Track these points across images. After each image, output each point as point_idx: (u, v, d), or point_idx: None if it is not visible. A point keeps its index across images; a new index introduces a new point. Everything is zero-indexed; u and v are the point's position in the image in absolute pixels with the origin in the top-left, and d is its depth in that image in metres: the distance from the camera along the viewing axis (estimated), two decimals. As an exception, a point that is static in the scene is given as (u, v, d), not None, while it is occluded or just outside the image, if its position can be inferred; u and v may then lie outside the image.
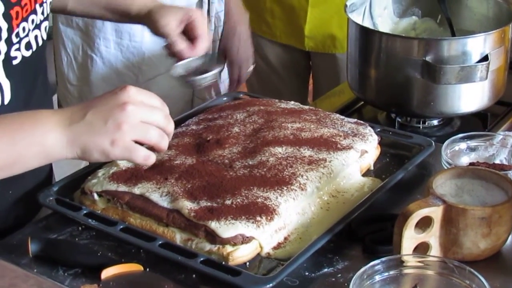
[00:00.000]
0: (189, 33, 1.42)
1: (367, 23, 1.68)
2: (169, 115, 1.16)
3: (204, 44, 1.42)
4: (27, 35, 1.23)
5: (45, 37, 1.30)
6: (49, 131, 1.09)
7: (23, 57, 1.22)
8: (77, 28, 1.93)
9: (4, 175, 1.12)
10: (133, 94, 1.11)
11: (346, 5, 1.61)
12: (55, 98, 2.18)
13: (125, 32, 1.92)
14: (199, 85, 1.40)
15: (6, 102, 1.21)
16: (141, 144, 1.12)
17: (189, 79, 1.39)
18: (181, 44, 1.41)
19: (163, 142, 1.14)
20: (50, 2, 1.30)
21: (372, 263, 1.03)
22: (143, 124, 1.11)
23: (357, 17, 1.63)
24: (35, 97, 1.30)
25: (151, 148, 1.13)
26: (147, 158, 1.13)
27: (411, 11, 1.74)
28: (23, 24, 1.21)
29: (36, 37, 1.26)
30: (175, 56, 1.43)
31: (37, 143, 1.09)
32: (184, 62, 1.41)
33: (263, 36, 2.32)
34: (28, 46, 1.24)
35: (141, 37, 1.92)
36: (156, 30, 1.43)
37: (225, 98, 1.59)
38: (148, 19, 1.44)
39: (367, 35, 1.56)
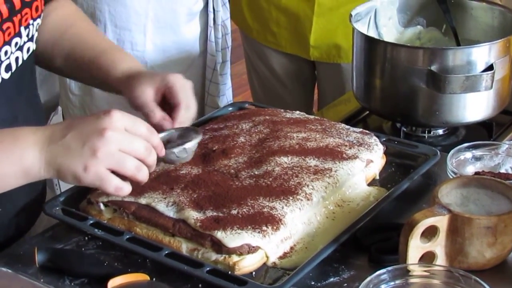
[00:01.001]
0: (169, 102, 1.30)
1: (372, 33, 1.68)
2: (157, 144, 1.13)
3: (185, 111, 1.28)
4: (8, 58, 1.20)
5: (25, 58, 1.26)
6: (28, 149, 1.07)
7: (2, 79, 1.20)
8: None
9: None
10: (116, 120, 1.07)
11: (351, 15, 1.61)
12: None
13: (127, 42, 1.92)
14: (181, 160, 1.23)
15: None
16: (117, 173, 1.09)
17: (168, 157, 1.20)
18: (157, 116, 1.28)
19: (140, 174, 1.10)
20: (38, 24, 1.28)
21: (378, 272, 1.04)
22: (121, 153, 1.08)
23: (362, 27, 1.63)
24: (21, 118, 1.26)
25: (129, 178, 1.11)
26: (119, 190, 1.10)
27: (416, 21, 1.75)
28: (5, 47, 1.19)
29: (17, 58, 1.23)
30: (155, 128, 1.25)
31: (15, 162, 1.07)
32: (163, 134, 1.22)
33: (268, 46, 2.32)
34: (7, 68, 1.21)
35: (143, 47, 1.93)
36: (133, 102, 1.30)
37: (230, 108, 1.59)
38: (125, 88, 1.32)
39: (372, 45, 1.57)
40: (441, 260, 1.12)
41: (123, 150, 1.07)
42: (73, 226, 1.23)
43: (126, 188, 1.10)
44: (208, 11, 2.01)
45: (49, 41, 1.40)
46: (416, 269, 1.06)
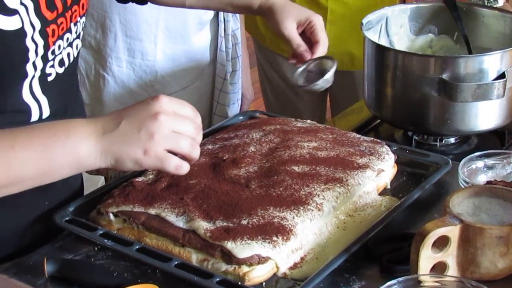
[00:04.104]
0: (308, 36, 1.46)
1: (384, 41, 1.68)
2: (200, 124, 1.18)
3: (324, 48, 1.46)
4: (60, 53, 1.25)
5: (75, 55, 1.31)
6: (82, 140, 1.10)
7: (57, 73, 1.24)
8: (89, 47, 1.94)
9: (36, 184, 1.12)
10: (165, 104, 1.12)
11: (362, 23, 1.62)
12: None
13: (138, 51, 1.93)
14: (322, 88, 1.46)
15: (44, 116, 1.23)
16: (174, 153, 1.12)
17: (312, 85, 1.44)
18: (301, 48, 1.46)
19: (195, 152, 1.15)
20: (83, 22, 1.32)
21: (389, 283, 1.03)
22: (175, 133, 1.12)
23: (374, 35, 1.64)
24: (69, 111, 1.31)
25: (183, 157, 1.14)
26: (179, 168, 1.14)
27: (428, 29, 1.75)
28: (59, 42, 1.23)
29: (68, 54, 1.28)
30: (296, 58, 1.48)
31: (69, 153, 1.10)
32: (304, 66, 1.46)
33: (281, 54, 2.33)
34: (61, 63, 1.25)
35: (153, 56, 1.94)
36: (277, 31, 1.46)
37: (241, 117, 1.60)
38: (270, 17, 1.47)
39: (383, 53, 1.57)
40: (452, 270, 1.12)
41: (176, 131, 1.12)
42: (83, 236, 1.23)
43: (185, 166, 1.15)
44: (219, 21, 2.02)
45: None
46: (428, 280, 1.06)
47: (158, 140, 1.11)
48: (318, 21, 1.45)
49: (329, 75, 1.41)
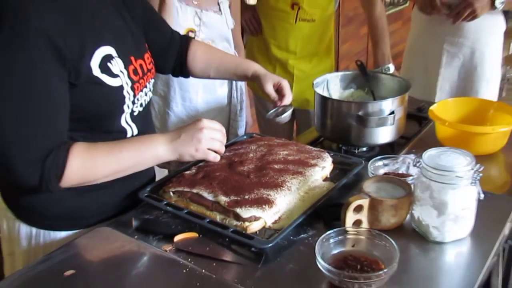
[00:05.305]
0: (279, 92, 1.43)
1: (325, 93, 1.68)
2: (225, 134, 1.24)
3: (288, 99, 1.41)
4: (141, 99, 1.24)
5: (148, 100, 1.30)
6: (160, 145, 1.16)
7: (139, 111, 1.24)
8: (160, 96, 1.93)
9: (132, 171, 1.16)
10: (206, 123, 1.19)
11: (313, 83, 1.62)
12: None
13: (187, 98, 1.92)
14: (284, 121, 1.41)
15: (134, 135, 1.24)
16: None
17: (278, 119, 1.40)
18: (276, 98, 1.42)
19: (222, 149, 1.25)
20: (152, 82, 1.32)
21: (329, 232, 1.04)
22: (212, 139, 1.20)
23: (320, 90, 1.63)
24: (147, 132, 1.30)
25: (216, 153, 1.24)
26: (215, 158, 1.25)
27: (350, 86, 1.74)
28: (140, 93, 1.23)
29: (145, 100, 1.27)
30: (273, 103, 1.44)
31: (153, 152, 1.15)
32: (275, 109, 1.42)
33: (267, 100, 2.32)
34: (141, 105, 1.25)
35: (196, 101, 1.93)
36: (262, 89, 1.42)
37: (245, 137, 1.58)
38: (257, 81, 1.44)
39: (325, 100, 1.56)
40: (365, 224, 1.12)
41: (212, 138, 1.20)
42: (154, 205, 1.23)
43: (218, 157, 1.26)
44: (232, 81, 2.02)
45: (204, 65, 1.49)
46: (351, 230, 1.06)
47: (203, 143, 1.18)
48: (285, 83, 1.42)
49: (288, 114, 1.39)
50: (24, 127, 1.01)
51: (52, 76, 1.02)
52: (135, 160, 1.14)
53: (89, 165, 1.08)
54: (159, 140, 1.16)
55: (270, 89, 1.41)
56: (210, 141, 1.20)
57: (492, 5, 1.98)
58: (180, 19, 1.79)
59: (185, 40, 1.50)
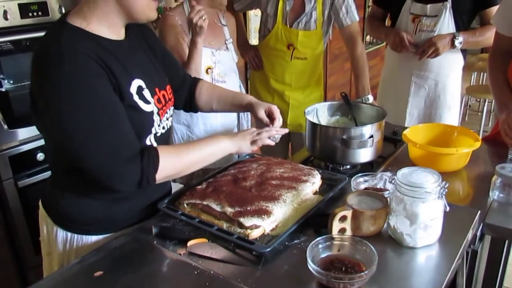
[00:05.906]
0: (270, 116, 1.40)
1: (315, 120, 1.68)
2: (262, 136, 1.29)
3: (278, 122, 1.37)
4: (163, 123, 1.25)
5: (170, 124, 1.30)
6: (224, 141, 1.23)
7: (161, 133, 1.24)
8: (183, 124, 1.93)
9: (203, 166, 1.19)
10: (251, 130, 1.30)
11: (305, 111, 1.63)
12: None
13: (208, 124, 1.93)
14: (273, 143, 1.36)
15: None
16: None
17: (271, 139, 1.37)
18: (268, 122, 1.37)
19: (260, 144, 1.29)
20: (172, 109, 1.33)
21: (318, 238, 1.03)
22: (258, 133, 1.28)
23: (310, 117, 1.63)
24: None
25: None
26: (270, 142, 1.31)
27: (336, 114, 1.74)
28: (163, 118, 1.24)
29: (167, 124, 1.27)
30: (267, 126, 1.40)
31: (221, 145, 1.22)
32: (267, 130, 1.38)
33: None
34: (163, 128, 1.25)
35: (214, 126, 1.94)
36: (255, 115, 1.38)
37: (247, 157, 1.58)
38: (251, 109, 1.41)
39: (315, 126, 1.57)
40: (348, 232, 1.12)
41: (255, 138, 1.27)
42: (171, 214, 1.23)
43: (272, 142, 1.31)
44: (240, 125, 2.05)
45: (207, 97, 1.48)
46: (337, 237, 1.05)
47: (254, 136, 1.27)
48: (275, 109, 1.39)
49: (278, 137, 1.36)
50: (112, 136, 1.03)
51: (114, 95, 1.06)
52: (208, 151, 1.19)
53: (176, 158, 1.13)
54: (222, 138, 1.23)
55: (262, 115, 1.40)
56: (254, 140, 1.27)
57: (452, 45, 2.04)
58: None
59: (194, 80, 1.51)
